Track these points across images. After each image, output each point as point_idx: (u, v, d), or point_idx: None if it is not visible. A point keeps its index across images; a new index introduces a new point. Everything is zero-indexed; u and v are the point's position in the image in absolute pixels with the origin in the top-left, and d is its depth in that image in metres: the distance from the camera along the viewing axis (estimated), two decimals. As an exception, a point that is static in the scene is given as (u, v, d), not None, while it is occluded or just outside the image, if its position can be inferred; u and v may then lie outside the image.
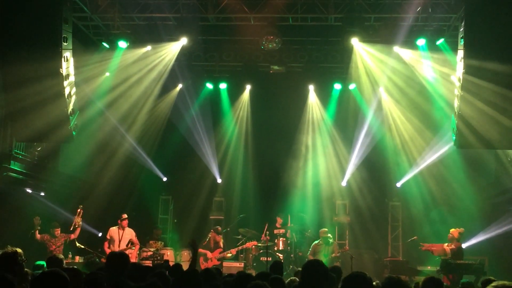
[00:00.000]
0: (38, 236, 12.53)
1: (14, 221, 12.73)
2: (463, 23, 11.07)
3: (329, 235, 14.40)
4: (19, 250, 5.35)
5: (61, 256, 7.82)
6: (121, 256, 5.96)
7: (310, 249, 14.33)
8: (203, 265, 13.65)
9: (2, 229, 12.29)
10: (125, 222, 13.32)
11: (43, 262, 8.12)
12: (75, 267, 7.81)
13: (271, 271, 7.31)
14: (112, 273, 5.45)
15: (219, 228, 14.55)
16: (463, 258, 12.40)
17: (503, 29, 10.80)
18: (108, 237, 13.27)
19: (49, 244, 12.64)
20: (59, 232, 12.84)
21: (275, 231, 15.16)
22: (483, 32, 10.82)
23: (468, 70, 10.89)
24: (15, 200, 13.19)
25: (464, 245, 14.06)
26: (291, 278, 6.89)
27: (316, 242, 14.34)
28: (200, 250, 13.89)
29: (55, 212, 13.79)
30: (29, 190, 13.90)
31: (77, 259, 13.17)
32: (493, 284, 3.72)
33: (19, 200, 13.30)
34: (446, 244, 12.54)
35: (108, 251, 12.82)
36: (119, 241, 13.11)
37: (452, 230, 12.71)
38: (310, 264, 4.88)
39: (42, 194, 14.21)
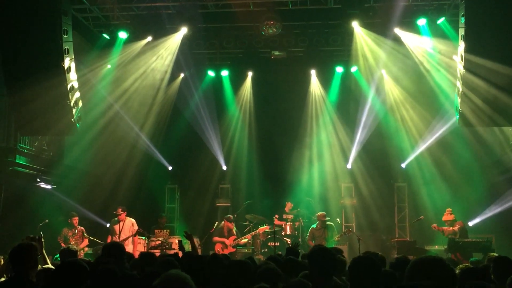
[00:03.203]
0: (62, 244, 12.52)
1: (23, 214, 12.79)
2: (463, 1, 10.99)
3: (328, 218, 14.40)
4: (34, 243, 5.40)
5: (75, 247, 7.87)
6: (115, 246, 6.02)
7: (308, 234, 14.25)
8: (221, 253, 13.71)
9: (11, 223, 12.36)
10: (124, 214, 13.33)
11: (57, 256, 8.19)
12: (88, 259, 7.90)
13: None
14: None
15: (231, 217, 14.59)
16: (468, 236, 12.56)
17: (504, 4, 10.73)
18: (110, 228, 13.46)
19: (68, 236, 12.80)
20: (77, 220, 12.94)
21: (284, 216, 15.22)
22: (484, 8, 10.74)
23: (470, 48, 10.82)
24: (23, 194, 13.25)
25: (470, 223, 14.17)
26: None
27: (313, 226, 14.21)
28: (217, 238, 14.07)
29: (65, 204, 13.87)
30: (36, 184, 13.96)
31: (86, 250, 13.29)
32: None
33: (26, 194, 13.36)
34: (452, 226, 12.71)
35: (110, 239, 13.04)
36: (119, 232, 13.19)
37: (443, 218, 13.03)
38: (317, 251, 4.93)
39: (49, 187, 14.28)
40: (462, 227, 12.63)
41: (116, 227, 13.28)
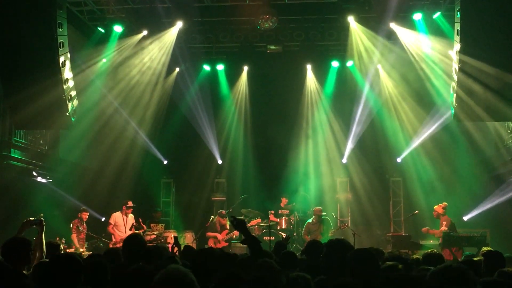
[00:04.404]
0: (73, 230, 12.63)
1: (17, 209, 12.72)
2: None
3: (324, 213, 14.45)
4: (27, 238, 5.42)
5: (58, 242, 7.91)
6: (137, 238, 6.09)
7: (304, 229, 14.35)
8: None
9: (7, 218, 12.29)
10: (131, 210, 13.42)
11: None
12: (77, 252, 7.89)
13: (275, 252, 7.40)
14: (130, 255, 5.55)
15: (223, 212, 14.64)
16: (457, 231, 12.61)
17: (499, 1, 10.74)
18: (112, 222, 13.24)
19: (80, 230, 12.83)
20: (87, 216, 12.98)
21: (280, 212, 15.25)
22: (480, 3, 10.73)
23: (465, 47, 10.81)
24: (18, 188, 13.17)
25: (465, 218, 14.20)
26: None
27: (309, 221, 14.33)
28: (209, 233, 14.16)
29: (60, 199, 13.84)
30: (32, 178, 13.90)
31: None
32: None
33: (21, 188, 13.29)
34: (440, 225, 12.69)
35: (116, 233, 13.04)
36: (124, 227, 13.20)
37: (435, 207, 12.90)
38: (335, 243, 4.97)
39: (44, 181, 14.23)
40: (450, 223, 12.63)
41: (120, 220, 13.25)
